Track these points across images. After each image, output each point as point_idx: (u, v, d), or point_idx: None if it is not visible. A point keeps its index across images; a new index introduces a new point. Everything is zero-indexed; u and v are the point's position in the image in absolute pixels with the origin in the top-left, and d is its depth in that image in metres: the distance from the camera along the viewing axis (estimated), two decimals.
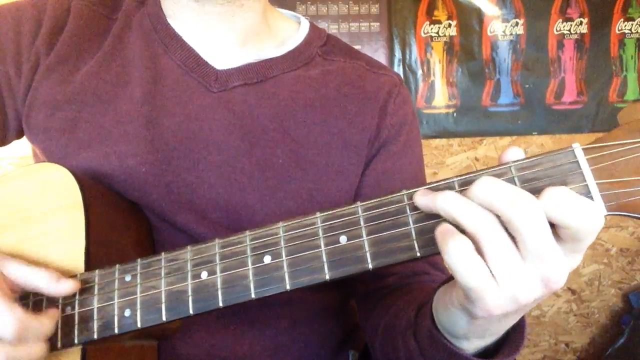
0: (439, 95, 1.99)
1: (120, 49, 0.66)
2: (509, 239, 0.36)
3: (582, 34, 2.01)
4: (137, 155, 0.60)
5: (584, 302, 2.09)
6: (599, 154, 0.37)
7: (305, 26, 0.74)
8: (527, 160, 0.39)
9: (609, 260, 2.08)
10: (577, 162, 0.38)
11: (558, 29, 2.00)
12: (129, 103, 0.63)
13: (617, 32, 2.02)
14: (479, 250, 0.37)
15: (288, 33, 0.73)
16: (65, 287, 0.48)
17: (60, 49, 0.65)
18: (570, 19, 2.00)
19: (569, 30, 2.00)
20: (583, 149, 0.38)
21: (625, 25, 2.02)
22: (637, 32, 2.02)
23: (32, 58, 0.64)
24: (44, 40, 0.65)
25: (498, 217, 0.36)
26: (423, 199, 0.40)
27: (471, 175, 0.40)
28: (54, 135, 0.62)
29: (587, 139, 0.38)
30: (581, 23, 2.00)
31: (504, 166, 0.39)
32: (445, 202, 0.38)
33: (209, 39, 0.67)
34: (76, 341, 0.49)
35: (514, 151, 0.40)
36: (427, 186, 0.41)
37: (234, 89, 0.65)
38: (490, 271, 0.36)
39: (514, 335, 0.46)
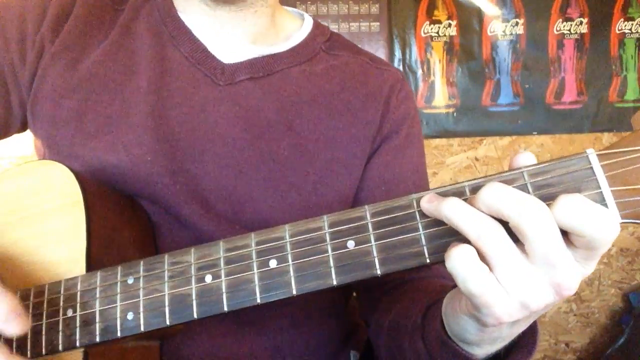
0: (439, 95, 1.99)
1: (127, 39, 0.66)
2: (514, 246, 0.36)
3: (582, 34, 2.01)
4: (142, 144, 0.60)
5: (584, 302, 2.09)
6: (613, 160, 0.36)
7: (308, 22, 0.75)
8: (540, 165, 0.38)
9: (609, 260, 2.08)
10: (592, 168, 0.37)
11: (558, 28, 2.00)
12: (136, 93, 0.63)
13: (617, 32, 2.02)
14: (483, 259, 0.36)
15: (292, 29, 0.74)
16: (14, 327, 0.43)
17: (66, 36, 0.65)
18: (570, 19, 2.00)
19: (569, 30, 2.00)
20: (597, 154, 0.37)
21: (625, 25, 2.02)
22: (637, 32, 2.02)
23: (36, 45, 0.64)
24: (49, 28, 0.65)
25: (506, 223, 0.36)
26: (429, 205, 0.40)
27: (482, 180, 0.39)
28: (60, 125, 0.62)
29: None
30: (581, 23, 2.00)
31: (516, 171, 0.38)
32: (448, 209, 0.37)
33: (218, 35, 0.67)
34: (78, 344, 0.48)
35: (526, 156, 0.39)
36: (437, 190, 0.41)
37: (240, 83, 0.66)
38: (497, 279, 0.36)
39: (525, 340, 0.46)
